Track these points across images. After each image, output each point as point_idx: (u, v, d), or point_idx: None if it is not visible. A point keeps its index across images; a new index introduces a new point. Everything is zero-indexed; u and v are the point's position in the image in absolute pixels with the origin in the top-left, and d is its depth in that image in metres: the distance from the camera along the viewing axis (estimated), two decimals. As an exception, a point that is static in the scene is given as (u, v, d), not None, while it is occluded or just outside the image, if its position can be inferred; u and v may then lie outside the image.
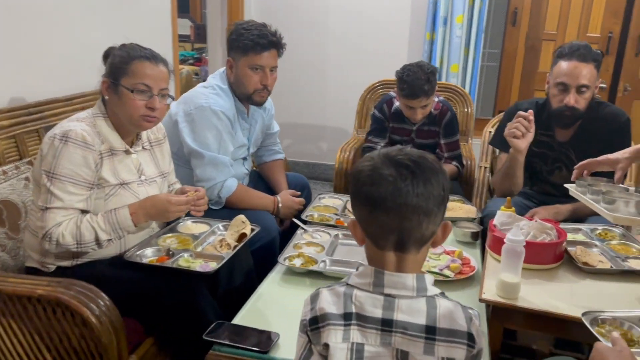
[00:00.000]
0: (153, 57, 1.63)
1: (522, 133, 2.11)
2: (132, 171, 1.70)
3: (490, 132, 2.85)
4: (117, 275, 1.60)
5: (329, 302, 0.97)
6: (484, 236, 1.99)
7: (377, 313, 0.95)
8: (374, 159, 0.98)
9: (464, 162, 2.79)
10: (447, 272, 1.74)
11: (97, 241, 1.56)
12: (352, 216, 1.03)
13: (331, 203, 2.31)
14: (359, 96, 3.34)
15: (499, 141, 2.50)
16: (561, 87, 2.15)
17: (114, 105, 1.64)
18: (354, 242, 1.91)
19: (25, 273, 1.67)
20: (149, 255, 1.68)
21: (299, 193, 2.37)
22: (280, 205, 2.20)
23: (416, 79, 2.43)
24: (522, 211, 2.28)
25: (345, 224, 2.07)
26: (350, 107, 3.44)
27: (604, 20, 3.83)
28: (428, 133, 2.72)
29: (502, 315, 1.53)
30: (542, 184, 2.41)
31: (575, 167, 1.93)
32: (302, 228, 1.99)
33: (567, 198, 2.27)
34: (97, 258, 1.66)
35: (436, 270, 1.74)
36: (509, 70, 4.14)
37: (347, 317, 0.95)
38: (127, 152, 1.70)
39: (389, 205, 0.93)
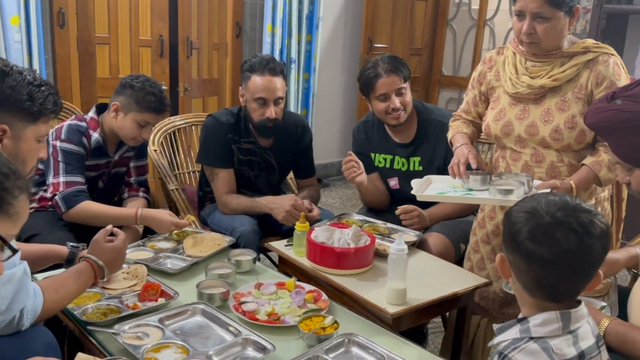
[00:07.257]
0: None
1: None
2: None
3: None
4: None
5: None
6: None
7: (573, 352, 0.98)
8: None
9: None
10: (313, 306, 1.60)
11: None
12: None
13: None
14: None
15: (212, 158, 2.35)
16: (261, 101, 2.26)
17: None
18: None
19: None
20: None
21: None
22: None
23: (161, 92, 2.09)
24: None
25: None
26: None
27: (152, 24, 3.91)
28: (126, 160, 2.30)
29: (398, 322, 1.59)
30: (249, 190, 2.42)
31: None
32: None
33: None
34: None
35: (300, 312, 1.57)
36: (66, 77, 3.66)
37: None
38: None
39: None
